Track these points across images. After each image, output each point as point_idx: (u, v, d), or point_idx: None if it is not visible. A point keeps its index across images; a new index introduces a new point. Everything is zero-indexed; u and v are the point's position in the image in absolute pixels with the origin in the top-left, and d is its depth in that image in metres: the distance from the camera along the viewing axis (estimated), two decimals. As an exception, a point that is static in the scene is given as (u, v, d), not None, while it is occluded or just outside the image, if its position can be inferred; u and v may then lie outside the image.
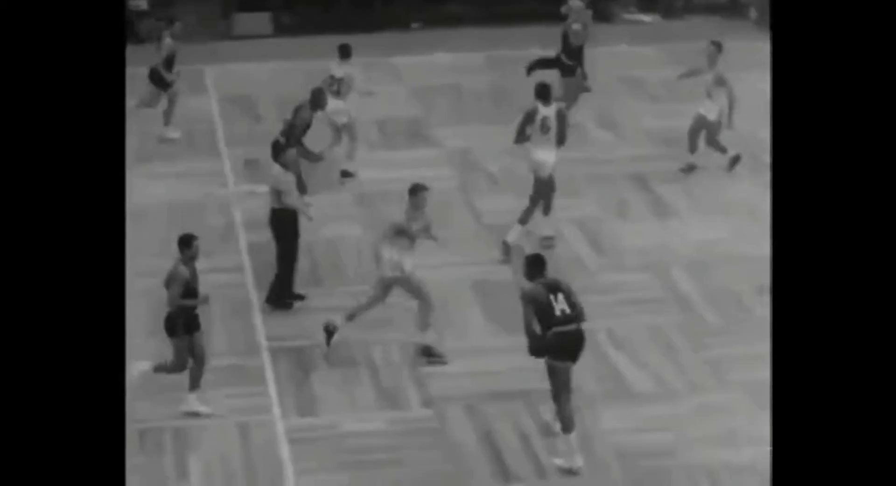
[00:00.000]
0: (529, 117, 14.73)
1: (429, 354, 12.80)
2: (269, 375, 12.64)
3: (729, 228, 15.53)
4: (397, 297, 13.47)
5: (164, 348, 11.78)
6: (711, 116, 16.75)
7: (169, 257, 11.73)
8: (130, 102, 16.43)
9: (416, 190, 12.78)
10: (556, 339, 10.87)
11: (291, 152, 13.57)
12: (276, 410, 12.11)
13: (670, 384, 12.42)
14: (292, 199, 13.47)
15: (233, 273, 14.47)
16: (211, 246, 15.12)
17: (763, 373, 12.38)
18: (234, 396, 12.28)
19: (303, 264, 14.13)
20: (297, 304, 13.79)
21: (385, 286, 12.75)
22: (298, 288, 13.88)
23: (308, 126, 15.58)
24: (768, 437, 11.60)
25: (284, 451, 11.49)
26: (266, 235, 13.86)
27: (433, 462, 11.35)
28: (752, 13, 23.78)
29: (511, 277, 14.08)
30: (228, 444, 11.57)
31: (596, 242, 15.17)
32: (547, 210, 14.96)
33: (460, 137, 18.17)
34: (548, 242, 14.89)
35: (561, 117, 14.79)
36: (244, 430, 11.76)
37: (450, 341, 13.19)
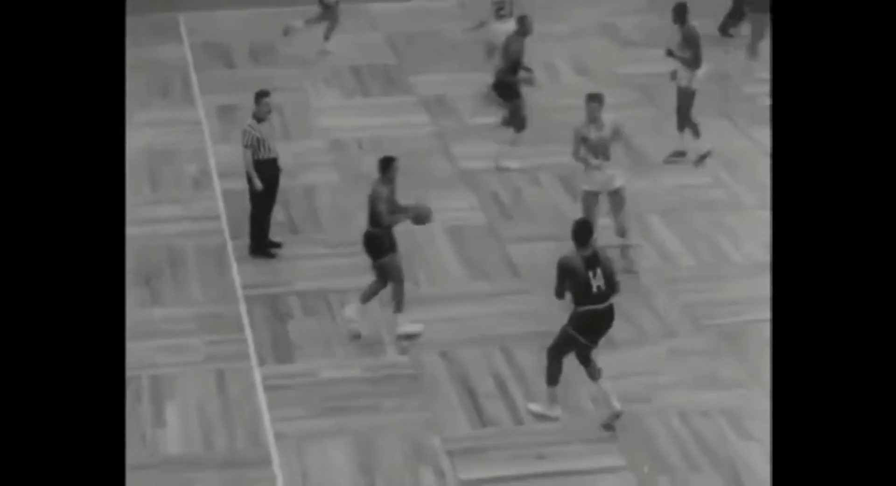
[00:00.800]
0: None
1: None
2: (246, 322, 12.68)
3: (704, 174, 15.58)
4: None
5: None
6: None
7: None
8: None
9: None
10: (587, 317, 10.82)
11: (266, 104, 13.50)
12: (254, 357, 12.15)
13: (646, 330, 12.50)
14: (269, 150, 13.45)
15: (208, 221, 14.46)
16: (186, 194, 15.13)
17: (736, 317, 12.54)
18: (210, 343, 12.32)
19: (279, 212, 14.14)
20: (274, 251, 13.80)
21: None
22: (274, 236, 13.89)
23: (521, 55, 15.57)
24: (741, 380, 11.83)
25: (262, 398, 11.55)
26: (241, 183, 13.84)
27: (410, 409, 11.43)
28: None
29: (485, 222, 14.15)
30: (206, 391, 11.61)
31: (571, 187, 15.21)
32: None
33: (435, 84, 18.14)
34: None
35: None
36: (221, 377, 11.81)
37: (425, 287, 13.25)
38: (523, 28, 15.46)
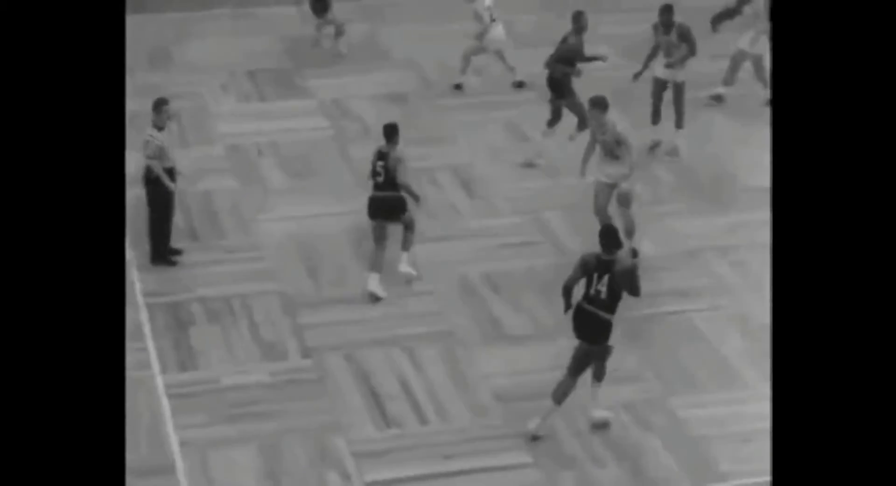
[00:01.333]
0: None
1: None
2: (148, 330, 12.59)
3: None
4: (275, 250, 13.55)
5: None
6: (755, 49, 17.10)
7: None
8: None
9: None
10: (574, 313, 10.96)
11: (165, 111, 13.41)
12: (156, 365, 12.08)
13: (546, 326, 12.61)
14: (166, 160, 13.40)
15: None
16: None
17: (633, 312, 12.67)
18: (112, 353, 12.22)
19: (178, 218, 14.05)
20: (175, 259, 13.72)
21: None
22: (175, 243, 13.81)
23: (580, 51, 15.57)
24: (642, 373, 11.97)
25: (165, 406, 11.48)
26: (139, 192, 13.72)
27: (314, 412, 11.43)
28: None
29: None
30: (108, 401, 11.52)
31: (469, 187, 15.29)
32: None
33: (333, 88, 18.11)
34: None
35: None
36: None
37: (327, 289, 13.26)
38: (579, 25, 15.55)
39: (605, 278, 10.79)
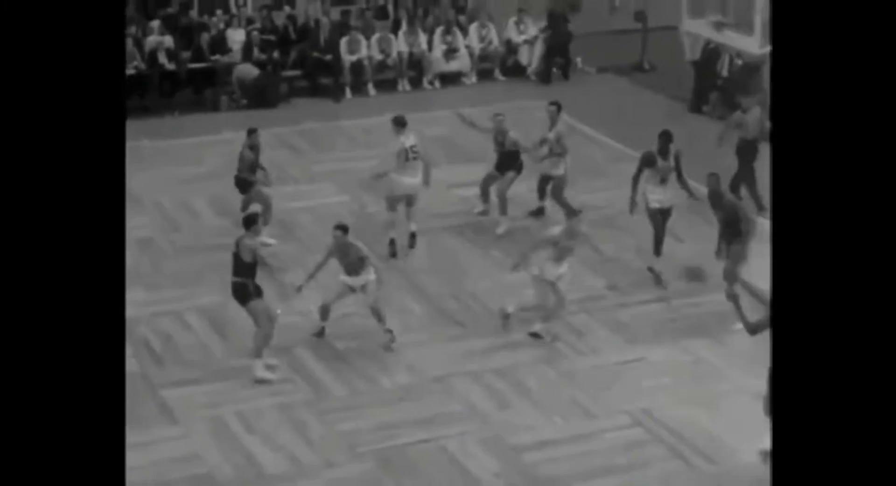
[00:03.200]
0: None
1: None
2: None
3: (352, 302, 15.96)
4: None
5: None
6: (557, 171, 17.86)
7: None
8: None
9: None
10: None
11: None
12: None
13: (303, 462, 12.64)
14: None
15: None
16: None
17: (385, 443, 12.83)
18: None
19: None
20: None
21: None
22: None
23: None
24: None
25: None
26: None
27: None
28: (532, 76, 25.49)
29: (138, 370, 14.05)
30: None
31: (219, 327, 15.30)
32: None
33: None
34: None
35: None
36: None
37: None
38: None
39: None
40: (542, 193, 18.25)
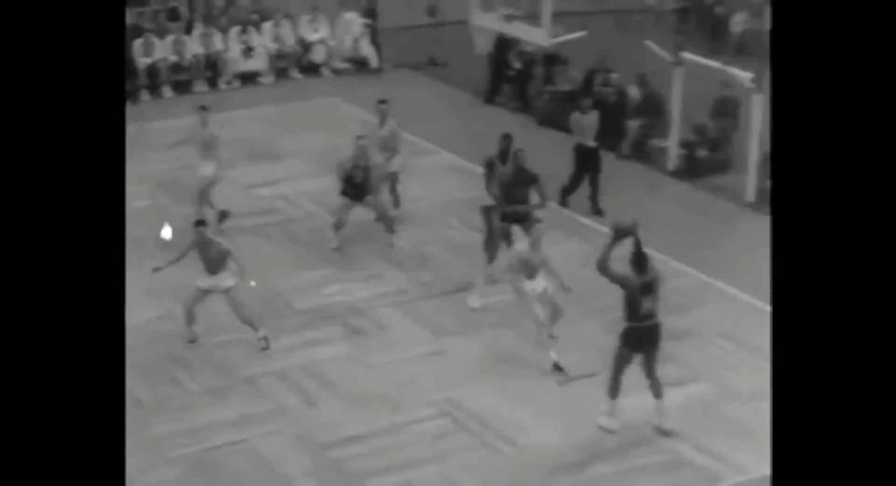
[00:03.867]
0: None
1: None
2: None
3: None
4: None
5: None
6: (392, 168, 17.85)
7: None
8: None
9: None
10: (632, 332, 12.57)
11: None
12: None
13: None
14: None
15: None
16: None
17: (192, 448, 12.81)
18: None
19: None
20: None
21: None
22: None
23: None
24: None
25: None
26: None
27: None
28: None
29: None
30: None
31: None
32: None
33: None
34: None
35: None
36: None
37: None
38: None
39: (651, 295, 12.47)
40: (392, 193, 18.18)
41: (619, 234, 12.56)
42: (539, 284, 14.38)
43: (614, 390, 12.97)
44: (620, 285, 12.55)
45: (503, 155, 16.40)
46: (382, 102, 18.24)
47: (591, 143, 18.34)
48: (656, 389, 12.96)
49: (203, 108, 17.73)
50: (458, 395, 13.80)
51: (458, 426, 13.26)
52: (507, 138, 16.60)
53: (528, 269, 14.34)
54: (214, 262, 14.46)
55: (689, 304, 15.87)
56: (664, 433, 12.93)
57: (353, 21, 26.37)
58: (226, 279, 14.53)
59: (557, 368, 14.15)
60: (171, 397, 13.81)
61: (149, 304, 15.29)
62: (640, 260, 12.55)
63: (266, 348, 14.66)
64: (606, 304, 15.84)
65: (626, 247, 12.57)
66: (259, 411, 13.57)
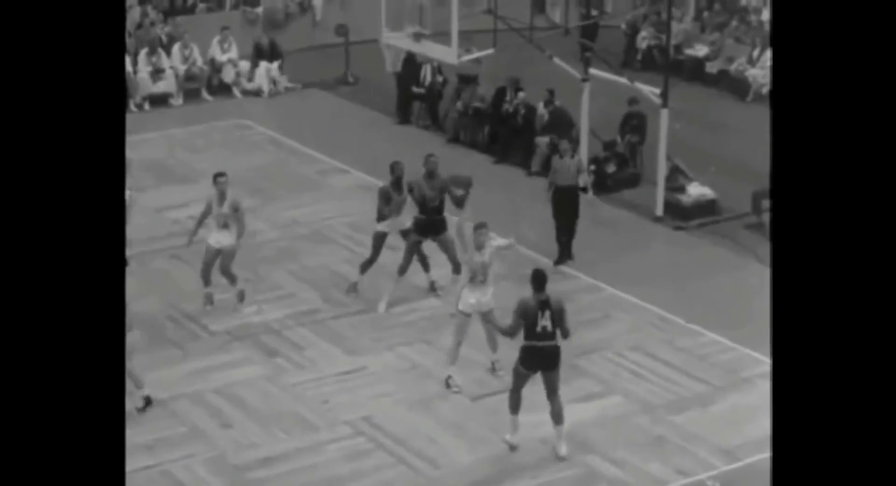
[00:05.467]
0: None
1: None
2: None
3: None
4: None
5: None
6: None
7: None
8: None
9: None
10: (527, 350, 12.62)
11: None
12: None
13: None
14: None
15: None
16: None
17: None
18: None
19: None
20: None
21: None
22: None
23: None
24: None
25: None
26: None
27: None
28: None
29: None
30: None
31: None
32: None
33: None
34: None
35: None
36: None
37: None
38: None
39: (547, 313, 12.45)
40: None
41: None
42: (487, 299, 14.21)
43: (514, 406, 13.06)
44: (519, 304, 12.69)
45: (397, 183, 16.33)
46: (221, 175, 16.17)
47: (570, 184, 17.40)
48: (556, 414, 12.92)
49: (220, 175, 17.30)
50: (374, 413, 13.85)
51: (374, 444, 13.32)
52: (398, 166, 16.36)
53: (482, 275, 14.19)
54: None
55: (601, 318, 16.07)
56: (559, 458, 13.00)
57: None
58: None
59: (447, 385, 14.32)
60: (85, 423, 13.71)
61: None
62: (537, 279, 12.65)
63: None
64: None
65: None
66: (174, 434, 13.53)
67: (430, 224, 16.11)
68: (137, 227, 17.68)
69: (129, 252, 17.19)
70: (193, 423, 13.71)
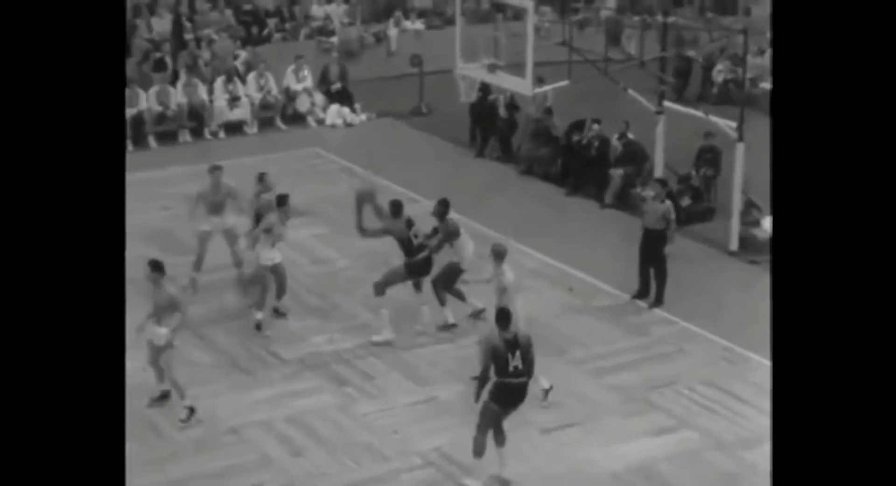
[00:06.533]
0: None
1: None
2: None
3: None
4: None
5: None
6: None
7: None
8: None
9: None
10: (502, 388, 12.45)
11: None
12: None
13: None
14: None
15: None
16: None
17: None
18: None
19: None
20: None
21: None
22: None
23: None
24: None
25: None
26: None
27: None
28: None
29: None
30: None
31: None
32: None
33: None
34: None
35: None
36: None
37: None
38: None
39: (518, 353, 12.38)
40: None
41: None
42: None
43: (479, 451, 12.78)
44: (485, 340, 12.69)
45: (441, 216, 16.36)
46: (216, 168, 17.61)
47: (655, 228, 17.14)
48: (500, 438, 12.85)
49: (216, 168, 17.64)
50: (444, 444, 13.80)
51: (444, 474, 13.26)
52: (443, 204, 16.45)
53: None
54: (161, 310, 14.21)
55: (673, 352, 15.94)
56: (503, 482, 12.87)
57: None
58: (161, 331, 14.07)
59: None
60: (156, 448, 13.79)
61: (130, 354, 15.24)
62: (502, 317, 12.55)
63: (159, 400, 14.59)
64: (588, 354, 15.92)
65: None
66: (244, 461, 13.55)
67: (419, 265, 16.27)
68: (212, 254, 17.76)
69: (202, 278, 17.39)
70: (264, 451, 13.72)
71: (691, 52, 26.68)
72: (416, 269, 16.26)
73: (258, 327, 16.31)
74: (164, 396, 14.54)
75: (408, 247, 16.10)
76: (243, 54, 26.93)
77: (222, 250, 17.94)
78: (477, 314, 16.42)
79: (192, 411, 14.13)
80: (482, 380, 12.58)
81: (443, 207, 16.36)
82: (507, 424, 12.88)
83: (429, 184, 21.53)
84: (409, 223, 16.18)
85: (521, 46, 19.20)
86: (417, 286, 16.48)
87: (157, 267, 14.05)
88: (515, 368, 12.38)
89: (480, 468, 12.84)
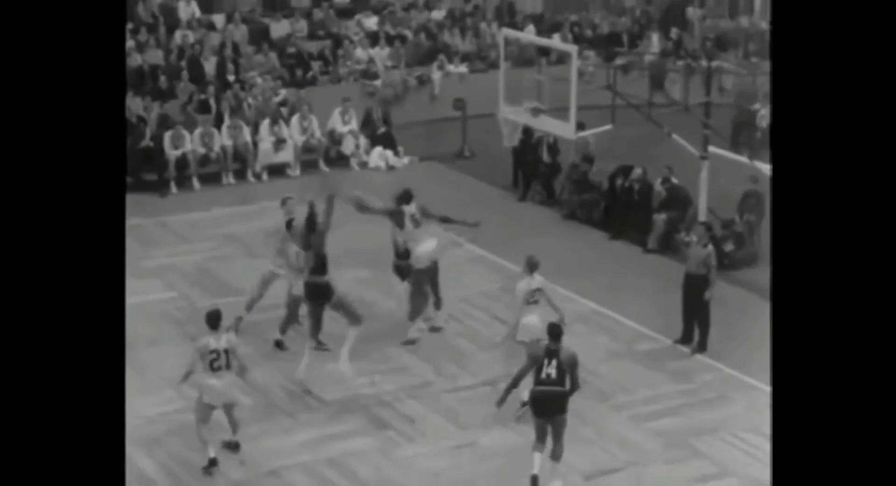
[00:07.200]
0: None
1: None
2: None
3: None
4: None
5: None
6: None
7: None
8: None
9: None
10: (533, 395, 13.12)
11: None
12: None
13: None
14: None
15: None
16: None
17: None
18: None
19: None
20: None
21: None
22: None
23: None
24: None
25: None
26: None
27: None
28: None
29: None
30: None
31: None
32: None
33: None
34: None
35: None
36: None
37: None
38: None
39: (554, 361, 12.93)
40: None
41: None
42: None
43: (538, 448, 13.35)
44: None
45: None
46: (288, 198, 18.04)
47: (697, 273, 17.08)
48: (556, 453, 13.24)
49: (288, 198, 17.84)
50: (485, 489, 13.73)
51: (484, 520, 13.18)
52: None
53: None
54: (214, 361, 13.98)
55: (717, 398, 15.81)
56: None
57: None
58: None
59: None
60: (197, 490, 13.79)
61: (171, 394, 15.29)
62: (553, 331, 13.18)
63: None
64: (631, 399, 15.82)
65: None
66: (289, 505, 13.52)
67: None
68: (267, 295, 17.75)
69: (247, 317, 17.40)
70: (304, 493, 13.69)
71: (756, 105, 26.62)
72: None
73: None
74: (235, 445, 14.44)
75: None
76: (283, 95, 27.08)
77: (276, 291, 18.00)
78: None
79: (213, 462, 13.96)
80: (512, 384, 13.43)
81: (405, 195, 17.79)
82: (548, 468, 12.81)
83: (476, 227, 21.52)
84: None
85: (565, 90, 19.21)
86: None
87: (214, 318, 13.98)
88: (548, 375, 12.91)
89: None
